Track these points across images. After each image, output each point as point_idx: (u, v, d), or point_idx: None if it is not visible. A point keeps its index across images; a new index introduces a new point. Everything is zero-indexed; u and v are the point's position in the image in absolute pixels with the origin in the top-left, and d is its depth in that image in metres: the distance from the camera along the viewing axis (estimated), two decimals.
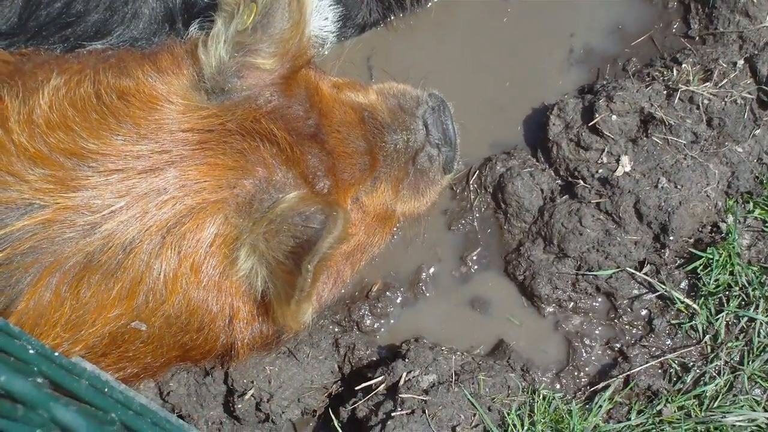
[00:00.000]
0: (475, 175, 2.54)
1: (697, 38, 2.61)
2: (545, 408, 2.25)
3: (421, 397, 2.19)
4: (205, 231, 1.79)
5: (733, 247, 2.32)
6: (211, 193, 1.81)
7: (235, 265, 1.84)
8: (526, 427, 2.22)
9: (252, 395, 2.30)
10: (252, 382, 2.29)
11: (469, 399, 2.20)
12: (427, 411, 2.16)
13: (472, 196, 2.54)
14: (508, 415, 2.22)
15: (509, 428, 2.21)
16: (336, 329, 2.45)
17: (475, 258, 2.51)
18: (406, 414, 2.16)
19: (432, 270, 2.52)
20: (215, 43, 1.94)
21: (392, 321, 2.48)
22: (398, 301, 2.49)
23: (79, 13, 2.27)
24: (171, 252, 1.78)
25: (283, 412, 2.31)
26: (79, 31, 2.30)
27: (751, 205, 2.39)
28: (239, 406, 2.30)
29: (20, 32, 2.27)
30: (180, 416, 2.30)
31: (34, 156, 1.75)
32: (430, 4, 2.73)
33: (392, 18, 2.77)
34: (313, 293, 1.84)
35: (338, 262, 2.18)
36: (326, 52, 2.60)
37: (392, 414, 2.17)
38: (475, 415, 2.19)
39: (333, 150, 2.01)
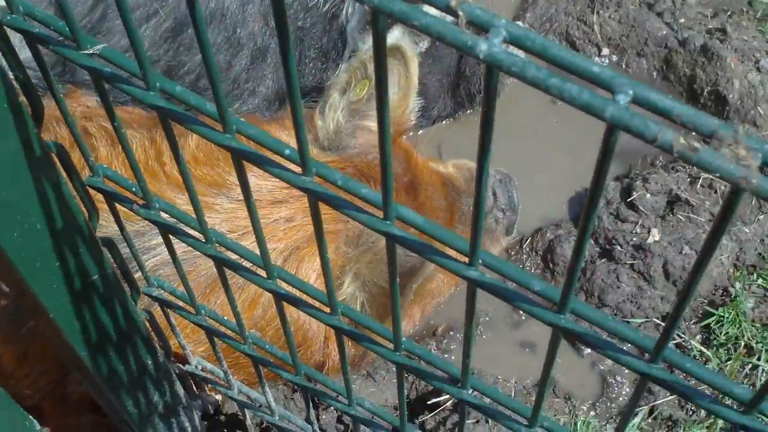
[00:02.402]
0: (528, 241, 3.01)
1: None
2: (585, 429, 2.69)
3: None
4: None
5: (740, 308, 2.78)
6: (329, 225, 2.04)
7: (340, 289, 2.06)
8: None
9: (334, 409, 2.60)
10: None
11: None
12: (489, 420, 2.57)
13: (525, 257, 3.00)
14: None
15: None
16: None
17: None
18: (472, 423, 2.57)
19: (488, 317, 2.92)
20: (332, 111, 2.26)
21: (453, 357, 2.83)
22: (459, 339, 2.87)
23: (206, 86, 2.55)
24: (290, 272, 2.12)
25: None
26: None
27: (755, 276, 2.86)
28: (323, 417, 2.63)
29: None
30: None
31: (182, 184, 2.07)
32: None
33: (460, 114, 3.21)
34: (408, 316, 2.20)
35: (413, 303, 2.52)
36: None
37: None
38: None
39: (422, 204, 2.38)
